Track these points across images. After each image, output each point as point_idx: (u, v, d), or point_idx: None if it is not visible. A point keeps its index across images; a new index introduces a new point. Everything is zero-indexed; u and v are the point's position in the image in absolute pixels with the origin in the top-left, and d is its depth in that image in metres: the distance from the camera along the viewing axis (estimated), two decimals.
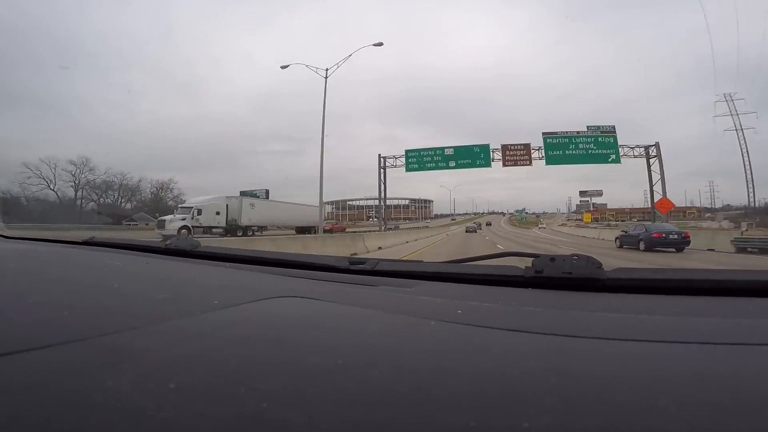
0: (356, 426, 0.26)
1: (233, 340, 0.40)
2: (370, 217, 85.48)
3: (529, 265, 0.77)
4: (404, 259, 1.51)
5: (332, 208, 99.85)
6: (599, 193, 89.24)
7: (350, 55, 20.60)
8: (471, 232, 39.38)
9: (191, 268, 0.93)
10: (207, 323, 0.45)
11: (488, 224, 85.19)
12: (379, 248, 12.90)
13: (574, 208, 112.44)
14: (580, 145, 23.93)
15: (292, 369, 0.34)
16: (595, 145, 23.71)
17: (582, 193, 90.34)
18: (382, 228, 30.01)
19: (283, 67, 21.76)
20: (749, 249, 12.38)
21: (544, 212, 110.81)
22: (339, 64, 20.67)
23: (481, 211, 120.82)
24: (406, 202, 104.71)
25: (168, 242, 1.18)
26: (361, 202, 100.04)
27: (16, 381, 0.29)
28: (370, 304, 0.59)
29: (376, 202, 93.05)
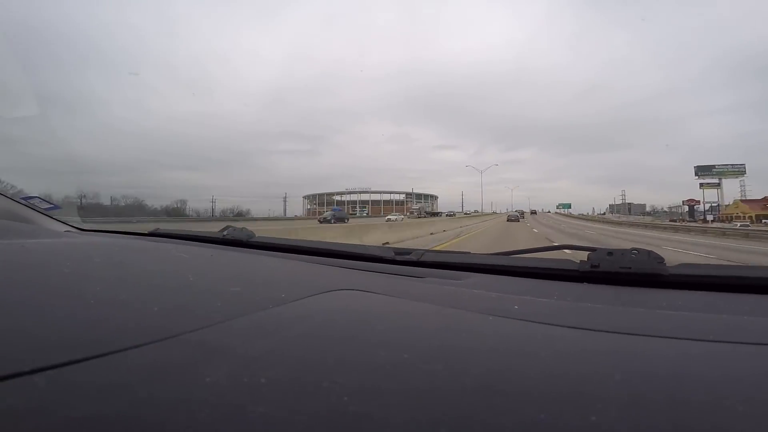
0: (433, 419, 0.27)
1: (306, 334, 0.41)
2: (354, 212, 76.81)
3: (584, 259, 0.75)
4: (450, 250, 1.62)
5: (309, 203, 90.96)
6: (741, 170, 55.66)
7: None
8: (513, 221, 36.65)
9: (249, 258, 0.96)
10: (280, 317, 0.47)
11: (533, 212, 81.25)
12: None
13: (607, 207, 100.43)
14: None
15: (364, 363, 0.35)
16: None
17: (702, 170, 54.37)
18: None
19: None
20: None
21: (569, 212, 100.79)
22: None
23: (498, 210, 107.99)
24: (401, 196, 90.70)
25: (225, 233, 1.23)
26: (344, 197, 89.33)
27: (125, 380, 0.29)
28: (424, 298, 0.60)
29: (362, 197, 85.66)
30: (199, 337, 0.38)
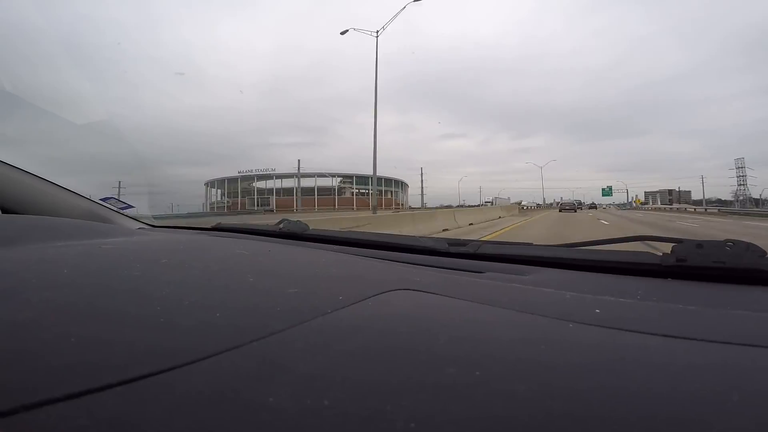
0: None
1: (366, 346, 0.39)
2: (253, 208, 53.16)
3: (667, 251, 0.68)
4: (510, 241, 1.06)
5: (219, 192, 62.64)
6: None
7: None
8: (569, 210, 30.55)
9: (304, 252, 0.97)
10: (338, 324, 0.45)
11: (593, 206, 61.65)
12: None
13: (634, 195, 76.99)
14: None
15: (431, 382, 0.32)
16: None
17: None
18: None
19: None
20: None
21: (593, 203, 78.93)
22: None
23: (496, 200, 79.13)
24: (335, 181, 61.12)
25: (282, 225, 1.29)
26: (255, 184, 61.03)
27: (188, 399, 0.28)
28: (489, 299, 0.55)
29: (284, 183, 56.51)
30: (260, 348, 0.37)
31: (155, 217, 1.66)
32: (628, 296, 0.56)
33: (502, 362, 0.36)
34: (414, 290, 0.59)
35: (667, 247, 0.71)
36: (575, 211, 30.61)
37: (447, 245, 0.95)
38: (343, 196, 61.08)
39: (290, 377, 0.32)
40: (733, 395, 0.29)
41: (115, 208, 1.44)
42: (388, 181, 65.93)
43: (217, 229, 1.45)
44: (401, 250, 1.00)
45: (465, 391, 0.30)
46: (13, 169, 1.24)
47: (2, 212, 1.21)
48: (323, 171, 59.44)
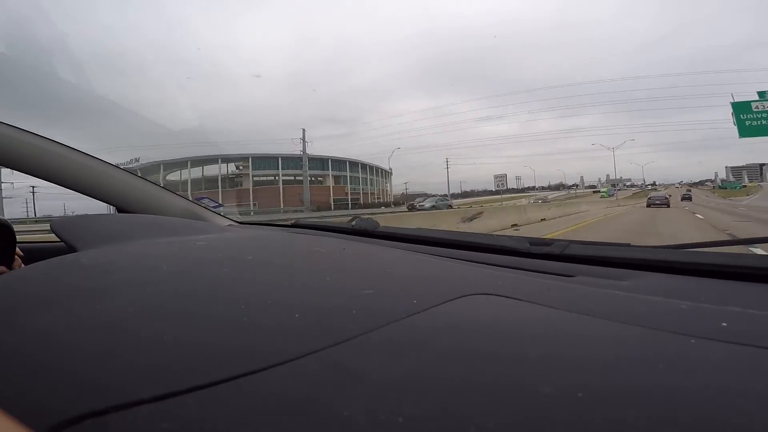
0: None
1: (443, 357, 0.36)
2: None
3: None
4: (603, 241, 0.91)
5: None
6: None
7: None
8: (660, 205, 23.67)
9: (376, 251, 0.95)
10: (414, 331, 0.42)
11: (687, 196, 46.78)
12: None
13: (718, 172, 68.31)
14: None
15: (524, 403, 0.29)
16: None
17: None
18: None
19: None
20: None
21: (654, 183, 74.84)
22: None
23: (537, 185, 70.70)
24: (237, 166, 42.73)
25: (354, 223, 1.33)
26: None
27: (268, 405, 0.27)
28: (584, 308, 0.48)
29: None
30: (337, 354, 0.36)
31: (242, 213, 1.79)
32: (756, 307, 0.48)
33: (610, 383, 0.31)
34: (495, 295, 0.54)
35: None
36: (668, 206, 23.51)
37: (528, 245, 0.88)
38: (240, 187, 43.41)
39: (365, 389, 0.31)
40: None
41: (208, 207, 1.57)
42: (344, 164, 47.59)
43: (296, 225, 1.52)
44: (477, 249, 0.95)
45: (566, 416, 0.27)
46: (126, 173, 1.40)
47: (118, 212, 1.37)
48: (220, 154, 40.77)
